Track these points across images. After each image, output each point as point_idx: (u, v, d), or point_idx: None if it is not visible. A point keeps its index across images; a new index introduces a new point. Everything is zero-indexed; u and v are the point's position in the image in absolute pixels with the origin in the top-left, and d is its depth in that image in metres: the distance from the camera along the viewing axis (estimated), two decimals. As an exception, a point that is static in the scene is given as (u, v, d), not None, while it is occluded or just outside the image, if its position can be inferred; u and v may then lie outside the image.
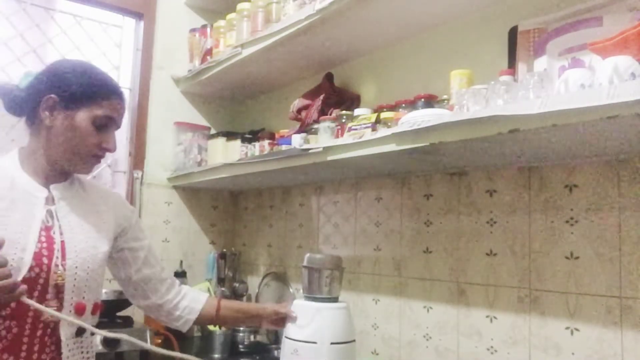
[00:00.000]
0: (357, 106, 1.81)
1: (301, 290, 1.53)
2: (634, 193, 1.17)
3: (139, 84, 2.44)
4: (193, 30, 2.42)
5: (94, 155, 1.22)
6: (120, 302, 2.07)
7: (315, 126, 1.73)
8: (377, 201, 1.81)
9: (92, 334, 1.24)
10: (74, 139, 1.18)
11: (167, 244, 2.42)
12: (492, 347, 1.42)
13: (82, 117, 1.18)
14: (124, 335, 1.16)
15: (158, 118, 2.45)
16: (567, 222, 1.28)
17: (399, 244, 1.72)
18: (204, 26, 2.37)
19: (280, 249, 2.29)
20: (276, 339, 2.06)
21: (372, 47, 1.82)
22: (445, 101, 1.39)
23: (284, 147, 1.77)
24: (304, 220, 2.16)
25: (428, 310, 1.60)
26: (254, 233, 2.48)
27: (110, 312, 2.02)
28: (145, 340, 1.90)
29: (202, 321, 1.47)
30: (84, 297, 1.20)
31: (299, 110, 1.93)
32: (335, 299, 1.48)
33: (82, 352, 1.22)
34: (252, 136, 2.11)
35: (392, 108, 1.49)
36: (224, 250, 2.48)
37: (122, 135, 2.46)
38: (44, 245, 1.15)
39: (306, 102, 1.91)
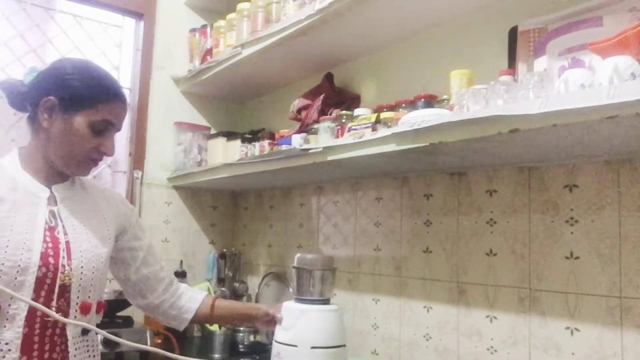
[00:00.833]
0: (357, 106, 1.81)
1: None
2: (634, 193, 1.17)
3: (139, 84, 2.44)
4: (193, 30, 2.42)
5: (92, 159, 1.21)
6: (120, 302, 2.07)
7: (315, 126, 1.73)
8: (377, 201, 1.81)
9: (97, 333, 1.24)
10: (71, 143, 1.17)
11: (167, 244, 2.42)
12: (492, 347, 1.42)
13: (80, 121, 1.17)
14: (122, 340, 1.16)
15: (158, 118, 2.45)
16: (567, 222, 1.28)
17: (399, 244, 1.72)
18: (204, 26, 2.37)
19: (280, 249, 2.29)
20: (276, 339, 2.06)
21: (372, 47, 1.82)
22: (445, 101, 1.39)
23: (284, 147, 1.77)
24: (304, 220, 2.16)
25: (428, 310, 1.60)
26: (254, 233, 2.48)
27: (110, 312, 2.02)
28: (145, 341, 1.90)
29: (198, 320, 1.47)
30: (89, 297, 1.20)
31: (299, 110, 1.93)
32: (326, 301, 1.45)
33: (87, 351, 1.23)
34: (252, 136, 2.11)
35: (392, 108, 1.49)
36: (224, 250, 2.48)
37: (122, 135, 2.46)
38: (50, 245, 1.15)
39: (306, 102, 1.91)
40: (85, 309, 1.19)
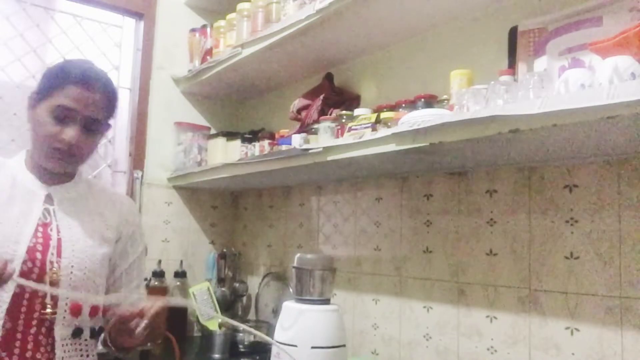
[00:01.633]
0: (357, 106, 1.81)
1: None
2: (634, 193, 1.17)
3: (139, 84, 2.44)
4: (193, 30, 2.42)
5: (54, 148, 1.16)
6: (120, 302, 2.08)
7: (315, 126, 1.73)
8: (377, 201, 1.81)
9: (92, 336, 1.23)
10: (36, 133, 1.18)
11: (167, 244, 2.42)
12: (492, 347, 1.42)
13: (41, 109, 1.17)
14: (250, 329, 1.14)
15: (158, 118, 2.45)
16: (567, 222, 1.28)
17: (399, 244, 1.72)
18: (204, 26, 2.37)
19: (280, 249, 2.29)
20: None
21: (372, 47, 1.82)
22: (445, 101, 1.39)
23: (284, 147, 1.77)
24: (304, 220, 2.16)
25: (428, 310, 1.60)
26: (254, 233, 2.48)
27: (110, 312, 2.02)
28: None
29: None
30: (80, 298, 1.18)
31: (299, 110, 1.93)
32: (326, 301, 1.45)
33: (80, 355, 1.20)
34: (252, 136, 2.11)
35: (392, 108, 1.49)
36: (224, 250, 2.48)
37: (122, 135, 2.46)
38: (39, 240, 1.15)
39: (306, 102, 1.91)
40: (75, 311, 1.17)
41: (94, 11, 2.41)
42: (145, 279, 2.21)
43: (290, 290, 2.10)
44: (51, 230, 1.18)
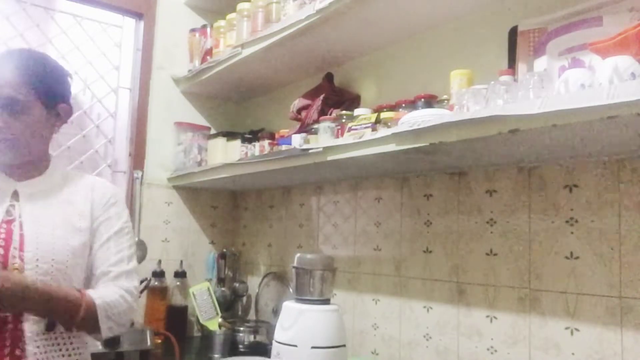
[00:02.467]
0: (357, 106, 1.81)
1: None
2: (634, 193, 1.17)
3: (139, 84, 2.44)
4: (193, 30, 2.42)
5: None
6: (120, 302, 2.07)
7: (315, 126, 1.73)
8: (377, 201, 1.81)
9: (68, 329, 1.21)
10: None
11: (167, 244, 2.42)
12: (492, 347, 1.42)
13: None
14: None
15: (158, 118, 2.45)
16: (567, 222, 1.28)
17: (399, 244, 1.72)
18: (204, 26, 2.37)
19: (280, 249, 2.29)
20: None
21: (372, 47, 1.82)
22: (445, 101, 1.39)
23: (284, 147, 1.77)
24: (304, 220, 2.16)
25: (428, 310, 1.60)
26: (254, 233, 2.48)
27: (110, 312, 2.02)
28: (145, 341, 1.90)
29: None
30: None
31: (299, 110, 1.93)
32: (326, 301, 1.45)
33: (59, 349, 1.19)
34: (252, 136, 2.11)
35: (392, 108, 1.49)
36: (224, 250, 2.48)
37: (122, 135, 2.47)
38: (2, 236, 1.16)
39: (306, 102, 1.91)
40: None
41: (94, 11, 2.41)
42: (145, 279, 2.21)
43: (290, 290, 2.10)
44: (14, 226, 1.18)
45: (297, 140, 1.72)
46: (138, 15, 2.48)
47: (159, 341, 2.08)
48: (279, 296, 2.21)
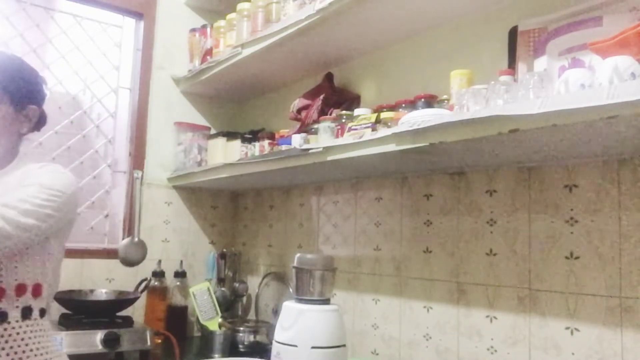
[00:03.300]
0: (357, 106, 1.81)
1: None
2: (634, 193, 1.17)
3: (139, 84, 2.44)
4: (193, 30, 2.42)
5: None
6: (120, 302, 2.08)
7: (315, 126, 1.73)
8: (377, 201, 1.81)
9: (24, 319, 1.22)
10: None
11: (167, 244, 2.42)
12: (492, 347, 1.42)
13: None
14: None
15: (158, 118, 2.45)
16: (567, 222, 1.28)
17: (399, 244, 1.72)
18: (204, 26, 2.37)
19: (280, 249, 2.29)
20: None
21: (372, 47, 1.82)
22: (445, 101, 1.39)
23: (284, 147, 1.77)
24: (304, 220, 2.16)
25: (428, 310, 1.60)
26: (254, 233, 2.48)
27: (110, 312, 2.02)
28: (145, 341, 1.90)
29: None
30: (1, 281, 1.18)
31: (299, 110, 1.93)
32: (326, 301, 1.45)
33: (6, 342, 1.19)
34: (252, 136, 2.11)
35: (392, 108, 1.49)
36: (224, 250, 2.48)
37: (122, 135, 2.47)
38: None
39: (306, 102, 1.91)
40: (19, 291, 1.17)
41: (94, 11, 2.42)
42: (146, 279, 2.21)
43: (290, 290, 2.10)
44: None
45: (297, 140, 1.72)
46: (138, 15, 2.48)
47: (159, 341, 2.08)
48: (279, 296, 2.21)
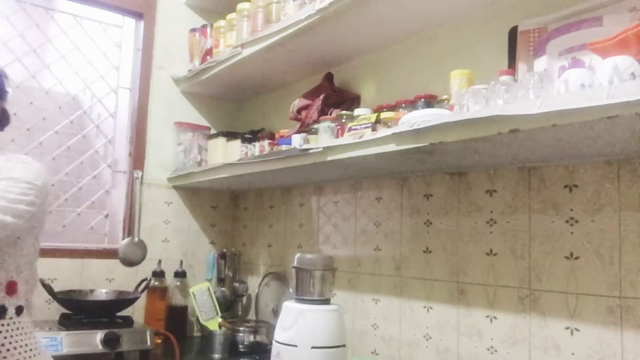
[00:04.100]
0: (357, 106, 1.81)
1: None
2: (634, 193, 1.17)
3: (139, 84, 2.44)
4: (193, 30, 2.42)
5: None
6: (120, 302, 2.08)
7: (315, 126, 1.73)
8: (377, 201, 1.81)
9: (10, 317, 1.19)
10: None
11: (167, 244, 2.42)
12: (492, 347, 1.42)
13: None
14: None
15: (158, 118, 2.45)
16: (567, 222, 1.28)
17: (399, 244, 1.72)
18: (204, 26, 2.37)
19: (280, 249, 2.29)
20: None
21: (372, 47, 1.82)
22: (445, 101, 1.39)
23: (284, 147, 1.77)
24: (304, 220, 2.16)
25: (428, 310, 1.60)
26: (254, 233, 2.48)
27: (110, 312, 2.02)
28: (145, 341, 1.90)
29: None
30: None
31: (299, 110, 1.93)
32: (326, 301, 1.45)
33: (4, 337, 1.17)
34: (252, 136, 2.11)
35: (392, 108, 1.49)
36: (224, 250, 2.48)
37: (122, 135, 2.47)
38: None
39: (306, 102, 1.91)
40: None
41: (94, 11, 2.42)
42: (146, 279, 2.21)
43: (290, 290, 2.10)
44: None
45: (297, 140, 1.72)
46: (138, 15, 2.48)
47: (159, 341, 2.08)
48: (279, 296, 2.21)
